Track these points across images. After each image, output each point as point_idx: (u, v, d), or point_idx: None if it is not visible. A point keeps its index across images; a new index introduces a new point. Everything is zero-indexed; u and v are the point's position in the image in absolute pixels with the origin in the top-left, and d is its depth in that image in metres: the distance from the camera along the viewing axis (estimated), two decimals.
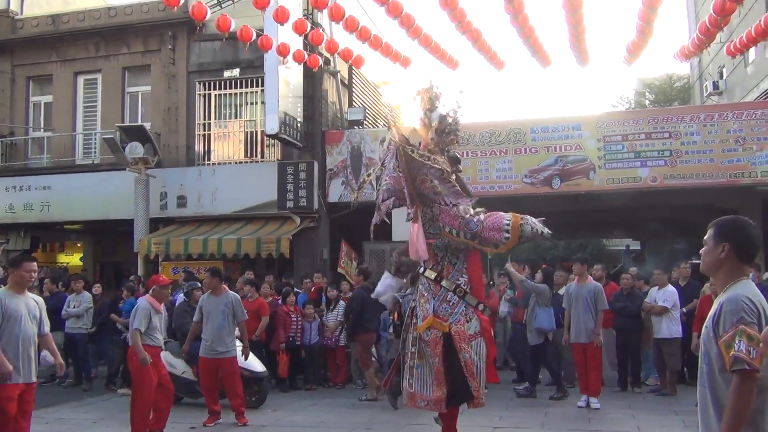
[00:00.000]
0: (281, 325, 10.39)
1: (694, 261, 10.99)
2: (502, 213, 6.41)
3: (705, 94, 20.35)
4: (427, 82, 7.03)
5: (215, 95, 15.18)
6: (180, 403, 9.02)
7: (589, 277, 9.29)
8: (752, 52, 16.21)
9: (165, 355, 8.74)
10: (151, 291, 7.49)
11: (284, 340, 10.33)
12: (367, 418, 8.37)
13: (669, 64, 64.39)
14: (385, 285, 8.30)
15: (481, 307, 6.55)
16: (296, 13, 11.88)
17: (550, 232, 6.35)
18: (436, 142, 6.90)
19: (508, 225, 6.27)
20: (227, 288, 8.53)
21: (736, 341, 2.62)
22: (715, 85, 19.22)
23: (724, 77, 19.54)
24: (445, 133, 6.95)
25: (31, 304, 5.81)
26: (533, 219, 6.33)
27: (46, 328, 6.03)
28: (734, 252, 2.90)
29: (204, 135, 15.22)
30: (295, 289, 11.59)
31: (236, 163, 14.96)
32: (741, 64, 17.85)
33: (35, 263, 5.97)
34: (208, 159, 15.15)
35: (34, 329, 5.75)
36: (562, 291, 10.85)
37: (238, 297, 8.58)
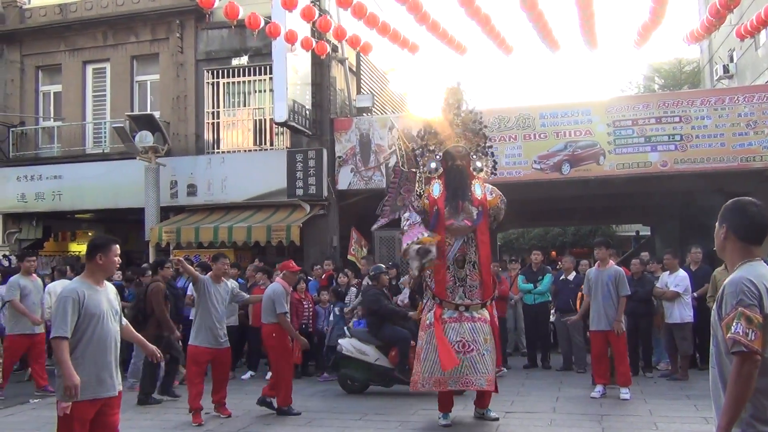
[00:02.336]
0: (294, 312, 10.41)
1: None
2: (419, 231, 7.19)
3: (715, 78, 20.17)
4: (454, 83, 7.65)
5: (224, 83, 15.18)
6: (364, 392, 9.12)
7: (611, 261, 8.87)
8: (763, 35, 16.04)
9: (354, 342, 9.05)
10: (282, 275, 8.19)
11: (297, 327, 10.37)
12: (378, 404, 8.43)
13: (678, 48, 63.80)
14: None
15: (436, 300, 7.24)
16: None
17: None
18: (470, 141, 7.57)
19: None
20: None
21: (734, 323, 2.63)
22: (726, 69, 19.04)
23: (735, 60, 19.34)
24: (473, 133, 7.60)
25: (112, 297, 4.75)
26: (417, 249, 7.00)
27: (124, 320, 5.01)
28: (734, 233, 2.90)
29: (213, 123, 15.25)
30: (307, 276, 11.65)
31: (245, 151, 14.98)
32: (751, 47, 17.67)
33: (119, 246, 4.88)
34: (218, 147, 15.18)
35: (118, 327, 4.73)
36: (571, 276, 10.90)
37: (236, 283, 8.60)
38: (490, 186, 7.57)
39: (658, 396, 8.50)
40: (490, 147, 7.78)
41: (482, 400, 7.40)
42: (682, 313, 9.58)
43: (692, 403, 7.95)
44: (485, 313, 7.19)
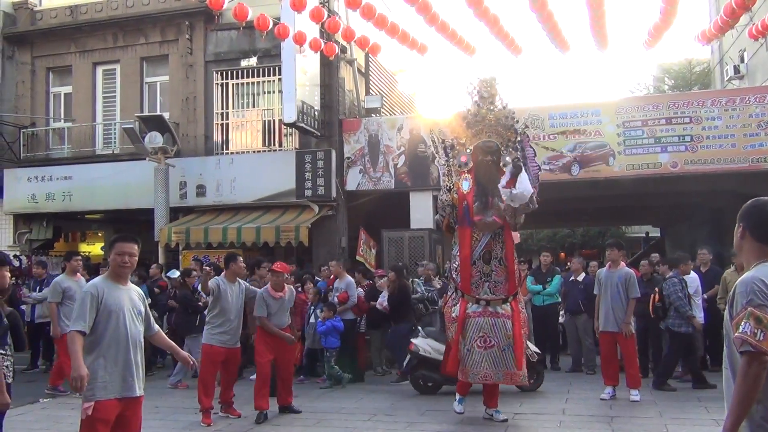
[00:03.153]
0: (298, 312, 10.41)
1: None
2: None
3: (726, 79, 20.07)
4: (489, 77, 7.71)
5: (233, 84, 15.22)
6: (438, 392, 9.01)
7: (622, 263, 8.78)
8: None
9: (431, 343, 8.90)
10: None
11: (299, 326, 10.33)
12: (387, 404, 8.42)
13: (688, 49, 63.46)
14: None
15: (459, 293, 7.31)
16: (313, 1, 11.85)
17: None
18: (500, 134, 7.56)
19: None
20: None
21: (743, 323, 2.61)
22: (736, 69, 18.93)
23: (746, 61, 19.23)
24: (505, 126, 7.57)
25: (135, 297, 4.65)
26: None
27: (155, 326, 4.94)
28: (750, 232, 2.87)
29: (222, 124, 15.29)
30: (314, 277, 11.64)
31: (254, 152, 15.01)
32: (762, 48, 17.55)
33: (134, 245, 4.66)
34: (227, 148, 15.22)
35: (140, 328, 4.62)
36: (580, 277, 10.86)
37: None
38: None
39: (669, 398, 8.44)
40: (521, 142, 7.66)
41: (491, 398, 7.41)
42: None
43: (703, 405, 7.90)
44: (508, 308, 7.21)
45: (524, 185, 7.07)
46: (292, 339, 8.11)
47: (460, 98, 8.44)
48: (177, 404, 8.69)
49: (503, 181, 7.13)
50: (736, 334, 2.62)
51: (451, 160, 7.62)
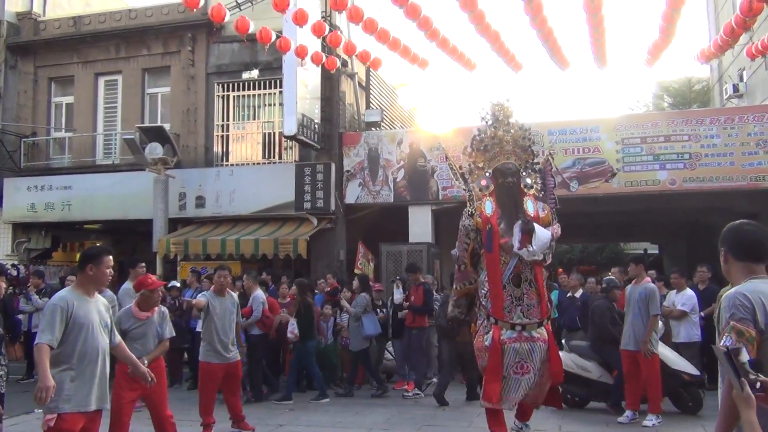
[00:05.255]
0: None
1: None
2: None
3: (725, 97, 20.16)
4: (503, 99, 7.64)
5: (234, 96, 15.29)
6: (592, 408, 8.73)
7: (647, 278, 8.36)
8: None
9: (574, 358, 8.63)
10: None
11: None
12: (383, 419, 8.39)
13: (687, 67, 63.70)
14: None
15: (492, 320, 6.86)
16: (315, 15, 11.93)
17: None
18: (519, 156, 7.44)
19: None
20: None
21: (725, 336, 2.67)
22: (735, 88, 19.01)
23: (745, 80, 19.33)
24: (523, 148, 7.47)
25: (102, 309, 4.65)
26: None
27: (117, 336, 4.86)
28: (732, 254, 2.96)
29: (222, 136, 15.34)
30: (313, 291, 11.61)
31: (254, 164, 15.05)
32: (762, 67, 17.66)
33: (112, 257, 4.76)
34: (227, 160, 15.26)
35: (107, 340, 4.61)
36: (578, 294, 10.83)
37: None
38: (542, 203, 7.31)
39: (666, 416, 8.38)
40: (538, 164, 7.56)
41: (525, 413, 7.28)
42: (689, 332, 9.50)
43: (700, 423, 7.88)
44: (543, 332, 6.88)
45: (541, 240, 6.80)
46: (147, 377, 5.24)
47: (472, 120, 8.23)
48: (179, 417, 8.62)
49: (516, 241, 6.80)
50: (719, 348, 2.64)
51: (471, 185, 7.45)
